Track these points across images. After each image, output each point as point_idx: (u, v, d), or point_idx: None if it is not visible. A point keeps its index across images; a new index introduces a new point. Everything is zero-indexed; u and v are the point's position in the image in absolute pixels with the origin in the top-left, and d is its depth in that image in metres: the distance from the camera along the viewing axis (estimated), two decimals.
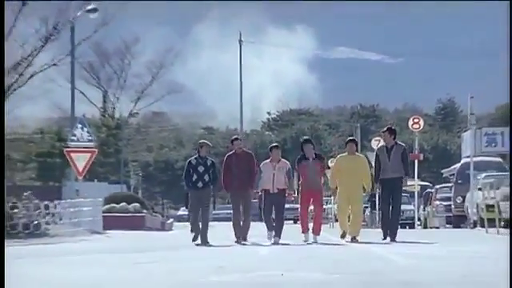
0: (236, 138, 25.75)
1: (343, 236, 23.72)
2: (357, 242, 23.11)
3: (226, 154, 24.94)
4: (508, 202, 31.24)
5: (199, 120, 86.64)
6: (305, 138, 26.73)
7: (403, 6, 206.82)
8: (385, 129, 25.18)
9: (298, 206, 24.82)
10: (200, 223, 23.99)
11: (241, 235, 23.97)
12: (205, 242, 23.57)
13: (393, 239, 23.27)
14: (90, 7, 35.65)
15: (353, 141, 24.91)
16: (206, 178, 23.89)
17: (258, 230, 25.86)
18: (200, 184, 23.83)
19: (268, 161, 23.89)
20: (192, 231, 24.07)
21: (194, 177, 23.83)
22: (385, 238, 23.33)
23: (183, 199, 31.29)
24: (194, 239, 23.85)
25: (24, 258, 20.50)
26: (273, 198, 23.73)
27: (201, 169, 23.83)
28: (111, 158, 55.51)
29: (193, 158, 24.43)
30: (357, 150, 24.65)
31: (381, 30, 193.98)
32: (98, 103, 58.98)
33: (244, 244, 23.61)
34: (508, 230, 28.25)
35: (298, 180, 23.97)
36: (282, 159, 24.16)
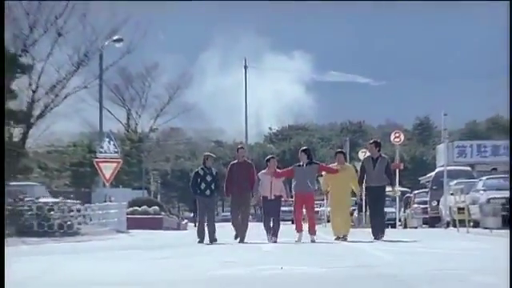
0: (241, 147, 25.73)
1: (338, 238, 23.52)
2: (346, 240, 22.99)
3: (230, 163, 24.87)
4: (476, 205, 31.24)
5: (210, 134, 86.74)
6: (303, 148, 26.45)
7: (386, 37, 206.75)
8: (371, 141, 25.15)
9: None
10: (206, 227, 23.84)
11: (240, 235, 23.86)
12: (213, 241, 23.44)
13: (381, 237, 23.21)
14: (116, 37, 35.67)
15: (341, 152, 24.98)
16: (213, 186, 23.74)
17: (258, 229, 25.85)
18: (208, 192, 23.68)
19: (265, 170, 23.82)
20: (198, 235, 23.88)
21: (203, 185, 23.67)
22: (376, 238, 23.24)
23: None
24: (207, 241, 23.55)
25: (59, 253, 20.53)
26: (270, 204, 23.61)
27: (208, 178, 23.68)
28: (134, 167, 55.50)
29: (199, 168, 24.22)
30: (346, 161, 24.62)
31: (367, 57, 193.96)
32: (123, 120, 59.16)
33: (245, 242, 23.51)
34: (463, 229, 28.21)
35: (290, 185, 23.85)
36: (277, 169, 24.10)
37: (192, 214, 49.34)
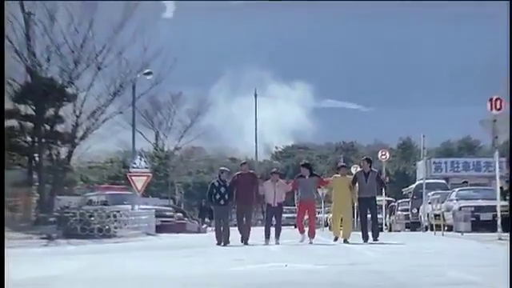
0: (244, 163, 25.39)
1: (336, 239, 23.15)
2: (348, 243, 22.45)
3: (235, 174, 24.66)
4: (449, 213, 31.17)
5: (225, 152, 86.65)
6: (304, 162, 26.12)
7: (374, 70, 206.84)
8: (363, 158, 25.09)
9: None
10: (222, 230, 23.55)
11: (244, 237, 23.70)
12: (226, 243, 23.18)
13: (375, 239, 22.98)
14: (146, 71, 35.78)
15: (344, 166, 24.86)
16: (226, 196, 23.40)
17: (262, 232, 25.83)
18: (222, 201, 23.32)
19: (269, 181, 23.65)
20: (217, 238, 23.45)
21: (218, 196, 23.32)
22: (365, 240, 23.03)
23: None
24: (222, 243, 23.15)
25: (99, 253, 20.58)
26: (274, 210, 23.34)
27: (222, 189, 23.32)
28: (161, 180, 55.48)
29: (215, 180, 23.88)
30: (346, 173, 24.38)
31: (358, 87, 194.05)
32: (152, 140, 59.15)
33: (251, 244, 23.33)
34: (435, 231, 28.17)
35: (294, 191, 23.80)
36: (280, 179, 23.99)
37: (200, 220, 49.10)
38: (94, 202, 37.66)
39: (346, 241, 22.63)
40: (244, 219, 23.83)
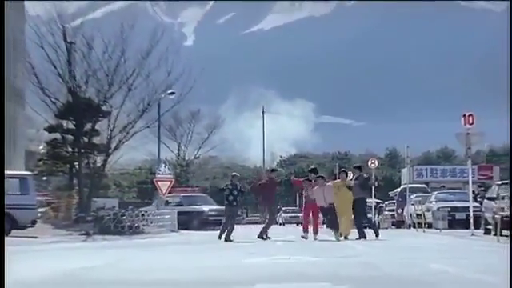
0: (273, 169, 24.93)
1: (338, 237, 21.88)
2: (347, 239, 21.67)
3: (261, 180, 24.25)
4: (429, 212, 31.12)
5: (237, 160, 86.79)
6: (311, 167, 25.35)
7: (364, 91, 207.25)
8: (354, 166, 25.00)
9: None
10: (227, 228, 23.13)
11: (264, 232, 23.27)
12: (228, 239, 22.53)
13: (377, 235, 22.32)
14: (170, 91, 35.84)
15: (344, 171, 24.19)
16: (238, 198, 23.24)
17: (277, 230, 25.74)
18: (234, 203, 23.20)
19: (317, 186, 22.43)
20: (220, 233, 23.18)
21: (231, 197, 23.16)
22: (359, 238, 22.01)
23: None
24: (223, 239, 22.65)
25: (129, 247, 20.62)
26: (325, 210, 22.42)
27: (235, 192, 23.15)
28: (182, 184, 55.54)
29: (229, 184, 23.67)
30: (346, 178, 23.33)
31: (351, 105, 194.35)
32: (175, 150, 59.19)
33: (267, 238, 23.15)
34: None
35: (301, 194, 23.34)
36: (326, 183, 22.72)
37: None
38: (171, 203, 37.62)
39: (346, 237, 22.03)
40: (267, 217, 23.71)
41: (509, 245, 9.04)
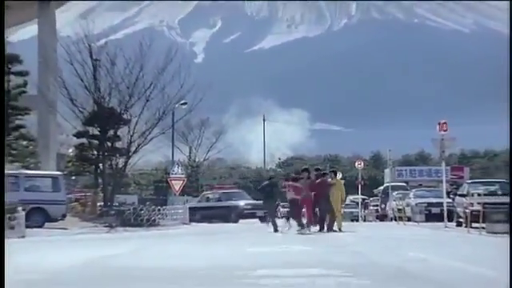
0: (305, 169, 22.71)
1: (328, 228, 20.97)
2: (341, 231, 20.83)
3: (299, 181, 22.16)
4: (409, 207, 31.01)
5: (241, 162, 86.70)
6: (303, 167, 24.73)
7: (351, 101, 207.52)
8: (331, 170, 24.22)
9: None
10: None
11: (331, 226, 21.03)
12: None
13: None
14: (182, 102, 35.79)
15: (334, 171, 23.89)
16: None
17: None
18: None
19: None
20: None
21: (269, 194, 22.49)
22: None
23: None
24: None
25: (146, 238, 20.65)
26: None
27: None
28: (193, 183, 55.35)
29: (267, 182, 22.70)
30: (336, 176, 22.91)
31: (340, 114, 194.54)
32: (186, 153, 58.99)
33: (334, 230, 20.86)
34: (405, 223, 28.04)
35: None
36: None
37: None
38: (211, 199, 37.61)
39: (340, 230, 21.05)
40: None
41: (509, 241, 8.77)
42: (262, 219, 34.48)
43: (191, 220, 32.25)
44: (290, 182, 21.95)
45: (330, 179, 22.34)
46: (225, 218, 33.64)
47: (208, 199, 38.03)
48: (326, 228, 20.91)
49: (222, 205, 35.36)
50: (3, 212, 15.30)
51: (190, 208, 33.57)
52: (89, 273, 9.90)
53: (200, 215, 34.74)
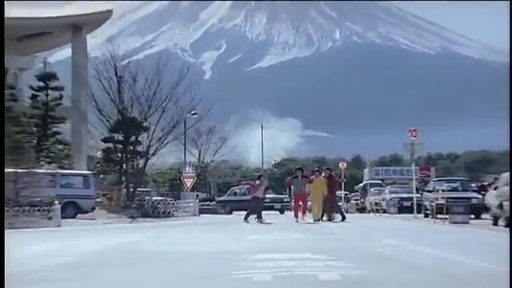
0: (317, 170, 22.74)
1: (316, 220, 21.04)
2: (321, 220, 21.07)
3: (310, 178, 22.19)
4: (384, 201, 30.99)
5: (242, 163, 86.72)
6: (298, 166, 25.06)
7: (337, 110, 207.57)
8: (325, 168, 24.66)
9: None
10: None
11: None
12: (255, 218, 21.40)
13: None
14: (193, 112, 35.68)
15: (318, 171, 23.68)
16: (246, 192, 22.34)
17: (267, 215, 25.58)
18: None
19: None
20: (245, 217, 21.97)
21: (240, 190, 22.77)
22: (342, 219, 21.68)
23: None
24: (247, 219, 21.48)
25: (163, 227, 20.64)
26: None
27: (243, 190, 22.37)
28: (202, 181, 55.31)
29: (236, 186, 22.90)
30: (320, 175, 22.52)
31: (327, 122, 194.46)
32: (196, 155, 58.88)
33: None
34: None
35: (290, 189, 22.36)
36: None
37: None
38: (238, 194, 37.56)
39: (320, 219, 21.25)
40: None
41: (509, 239, 8.64)
42: (280, 211, 34.79)
43: (219, 212, 32.14)
44: (289, 178, 22.26)
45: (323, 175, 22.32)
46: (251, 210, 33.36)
47: (235, 193, 38.18)
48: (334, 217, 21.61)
49: (246, 198, 35.20)
50: (3, 211, 14.27)
51: (219, 201, 33.24)
52: (114, 255, 9.94)
53: (229, 207, 35.88)
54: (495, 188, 18.52)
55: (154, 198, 32.18)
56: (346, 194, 47.16)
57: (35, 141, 31.67)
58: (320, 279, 6.54)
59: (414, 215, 23.09)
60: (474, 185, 28.18)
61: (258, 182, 22.28)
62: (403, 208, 28.40)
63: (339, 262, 7.84)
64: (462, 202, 19.98)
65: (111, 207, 30.68)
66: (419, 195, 25.75)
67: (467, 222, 18.34)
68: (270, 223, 20.56)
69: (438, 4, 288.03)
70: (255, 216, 21.61)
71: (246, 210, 32.92)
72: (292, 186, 22.70)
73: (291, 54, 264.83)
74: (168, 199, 31.49)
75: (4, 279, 5.39)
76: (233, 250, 10.24)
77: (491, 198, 18.57)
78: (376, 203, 30.80)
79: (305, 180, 21.97)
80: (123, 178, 33.36)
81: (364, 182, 44.15)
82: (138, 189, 34.18)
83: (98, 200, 30.67)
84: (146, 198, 31.47)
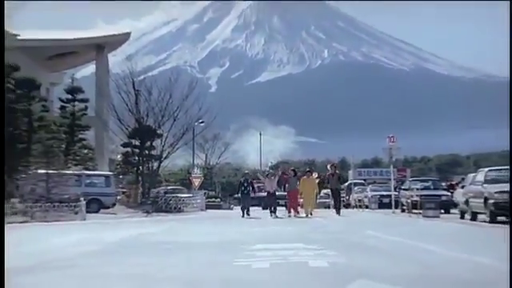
0: (308, 171, 22.63)
1: (307, 214, 20.73)
2: (312, 215, 20.54)
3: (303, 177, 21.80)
4: (366, 198, 30.92)
5: (243, 165, 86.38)
6: (292, 167, 24.84)
7: (324, 119, 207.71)
8: (331, 164, 24.36)
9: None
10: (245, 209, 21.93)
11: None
12: (247, 214, 21.56)
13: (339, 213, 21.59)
14: (200, 121, 35.51)
15: (309, 171, 23.26)
16: (249, 188, 22.07)
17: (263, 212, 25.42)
18: (246, 191, 22.03)
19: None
20: (242, 213, 21.79)
21: (243, 188, 22.18)
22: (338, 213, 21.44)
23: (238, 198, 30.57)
24: (245, 216, 21.40)
25: (174, 221, 20.60)
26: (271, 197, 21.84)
27: (245, 184, 22.10)
28: (208, 180, 55.10)
29: (242, 179, 22.79)
30: (311, 176, 22.17)
31: (316, 129, 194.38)
32: (203, 158, 58.81)
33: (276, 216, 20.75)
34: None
35: (285, 185, 21.61)
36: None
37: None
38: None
39: (311, 214, 20.76)
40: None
41: (509, 237, 8.75)
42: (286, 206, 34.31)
43: (223, 207, 31.79)
44: (285, 176, 22.04)
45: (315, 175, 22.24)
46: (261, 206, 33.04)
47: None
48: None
49: (257, 195, 34.81)
50: (3, 209, 13.27)
51: (234, 198, 32.68)
52: (132, 245, 9.97)
53: (244, 204, 34.71)
54: (462, 187, 18.67)
55: (167, 195, 31.63)
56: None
57: (64, 146, 31.65)
58: (310, 266, 6.57)
59: (392, 210, 23.09)
60: (443, 184, 28.28)
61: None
62: (383, 204, 28.39)
63: (327, 251, 7.86)
64: (433, 199, 20.04)
65: (129, 203, 30.64)
66: (397, 193, 25.76)
67: (438, 216, 18.38)
68: (259, 218, 20.51)
69: (414, 27, 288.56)
70: (271, 210, 21.16)
71: (258, 205, 32.61)
72: (287, 185, 22.29)
73: (286, 70, 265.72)
74: (179, 195, 31.18)
75: (4, 274, 5.00)
76: (236, 240, 10.25)
77: (459, 196, 18.63)
78: (359, 200, 30.81)
79: (297, 178, 21.90)
80: (140, 178, 33.33)
81: (349, 182, 44.06)
82: (170, 187, 33.72)
83: (118, 197, 30.64)
84: (161, 195, 30.99)
